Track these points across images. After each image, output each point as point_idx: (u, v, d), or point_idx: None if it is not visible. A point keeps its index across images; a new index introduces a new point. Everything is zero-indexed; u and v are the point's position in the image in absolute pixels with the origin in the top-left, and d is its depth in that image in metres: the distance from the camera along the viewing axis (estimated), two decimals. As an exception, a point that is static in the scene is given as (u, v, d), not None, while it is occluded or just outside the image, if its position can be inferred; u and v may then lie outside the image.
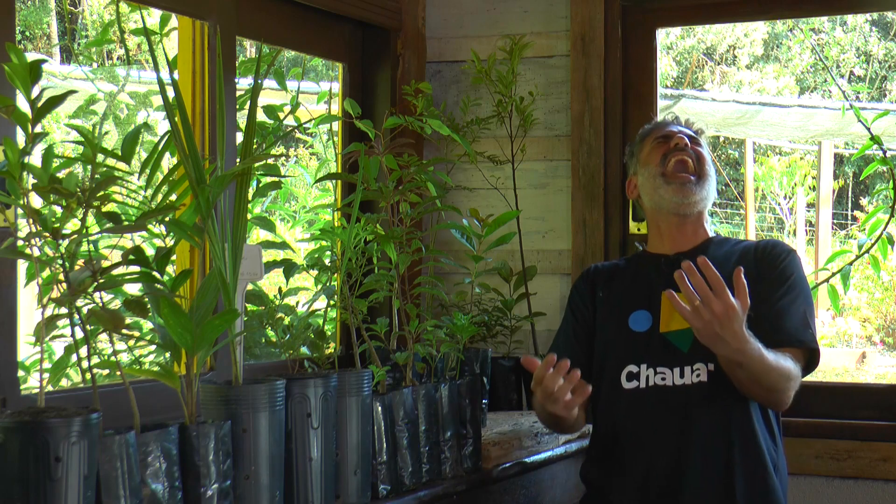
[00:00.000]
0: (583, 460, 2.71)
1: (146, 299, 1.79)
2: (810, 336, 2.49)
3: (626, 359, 2.55)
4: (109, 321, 1.67)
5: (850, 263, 3.57)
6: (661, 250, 2.67)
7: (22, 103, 1.66)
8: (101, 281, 1.69)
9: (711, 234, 2.71)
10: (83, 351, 1.70)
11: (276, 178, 2.52)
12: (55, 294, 1.66)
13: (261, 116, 3.10)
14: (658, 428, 2.49)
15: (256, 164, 2.03)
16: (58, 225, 1.65)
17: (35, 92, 1.65)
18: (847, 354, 10.16)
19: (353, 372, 2.19)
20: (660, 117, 2.86)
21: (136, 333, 1.86)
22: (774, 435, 2.52)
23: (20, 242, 1.67)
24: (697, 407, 2.46)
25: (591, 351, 2.66)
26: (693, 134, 2.70)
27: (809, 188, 13.07)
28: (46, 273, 1.67)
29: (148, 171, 1.87)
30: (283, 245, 2.96)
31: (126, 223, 1.78)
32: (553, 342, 2.77)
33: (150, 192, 1.87)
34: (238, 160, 1.99)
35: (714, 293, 2.22)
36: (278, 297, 2.52)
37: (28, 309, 2.94)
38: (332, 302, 2.33)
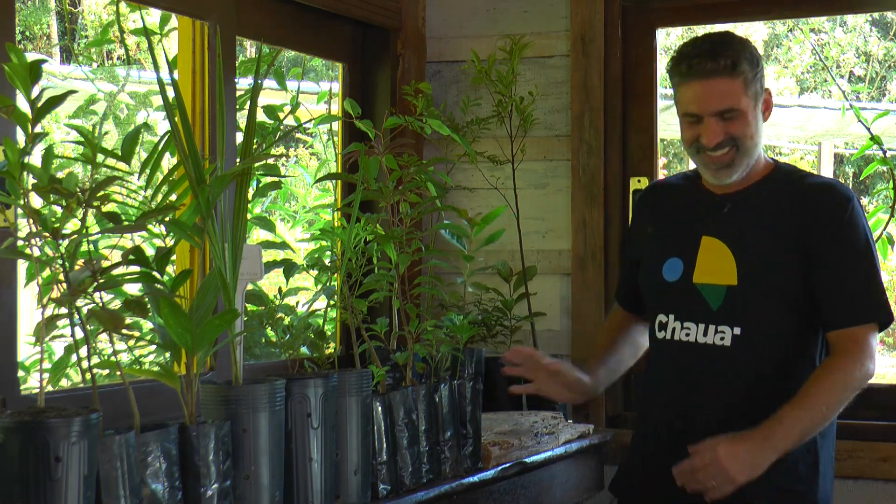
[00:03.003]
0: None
1: (146, 299, 1.79)
2: (871, 308, 2.38)
3: (658, 307, 2.53)
4: (109, 321, 1.67)
5: (850, 263, 3.57)
6: (711, 187, 2.52)
7: (22, 103, 1.66)
8: (101, 281, 1.69)
9: (773, 168, 2.51)
10: (83, 351, 1.70)
11: (276, 178, 2.52)
12: (55, 294, 1.66)
13: (261, 116, 3.11)
14: (673, 384, 2.48)
15: (256, 164, 2.03)
16: (58, 225, 1.65)
17: (35, 92, 1.65)
18: (847, 354, 10.12)
19: (353, 372, 2.19)
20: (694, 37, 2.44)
21: (136, 333, 1.86)
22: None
23: (20, 242, 1.67)
24: (713, 370, 2.42)
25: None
26: (724, 109, 2.37)
27: (809, 188, 13.02)
28: (46, 273, 1.67)
29: (148, 171, 1.87)
30: (283, 245, 2.97)
31: (126, 223, 1.78)
32: (621, 278, 2.88)
33: (150, 192, 1.87)
34: (238, 160, 1.99)
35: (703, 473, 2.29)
36: (278, 297, 2.52)
37: (28, 309, 2.95)
38: (332, 302, 2.33)
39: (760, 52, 2.48)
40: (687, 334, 2.46)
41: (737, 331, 2.41)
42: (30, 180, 1.66)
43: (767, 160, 2.53)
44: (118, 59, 8.99)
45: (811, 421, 2.33)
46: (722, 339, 2.42)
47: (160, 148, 1.88)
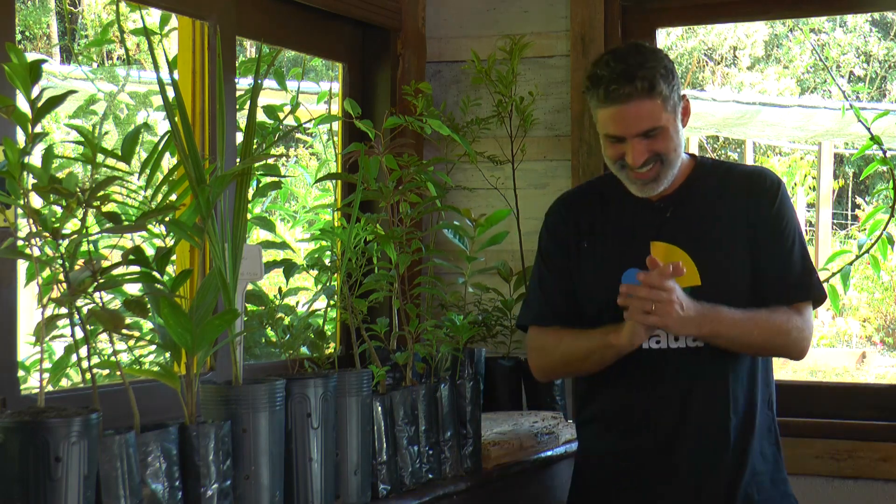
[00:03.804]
0: (575, 405, 2.67)
1: (146, 299, 1.79)
2: (809, 286, 2.47)
3: (621, 318, 2.40)
4: (109, 321, 1.67)
5: (850, 263, 3.57)
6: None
7: (22, 103, 1.66)
8: (101, 281, 1.69)
9: (695, 164, 2.53)
10: (83, 351, 1.70)
11: (276, 178, 2.52)
12: (55, 294, 1.66)
13: (261, 116, 3.10)
14: (653, 392, 2.45)
15: (256, 164, 2.03)
16: (58, 225, 1.65)
17: (35, 92, 1.65)
18: (847, 354, 10.16)
19: (353, 372, 2.19)
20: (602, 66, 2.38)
21: (136, 333, 1.86)
22: (770, 385, 2.53)
23: (20, 242, 1.68)
24: (693, 372, 2.43)
25: (576, 300, 2.55)
26: (647, 130, 2.36)
27: (809, 188, 13.07)
28: (46, 273, 1.67)
29: (148, 171, 1.87)
30: (283, 245, 2.96)
31: (126, 223, 1.78)
32: (544, 297, 2.58)
33: (150, 192, 1.87)
34: (238, 160, 1.99)
35: (656, 287, 2.28)
36: (278, 297, 2.52)
37: (28, 309, 2.94)
38: (332, 302, 2.33)
39: (761, 52, 2.48)
40: (658, 342, 2.44)
41: None
42: (30, 180, 1.66)
43: (685, 156, 2.53)
44: (118, 59, 9.00)
45: (738, 335, 2.39)
46: (695, 340, 2.42)
47: (160, 148, 1.88)
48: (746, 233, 2.46)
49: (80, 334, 1.68)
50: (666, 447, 2.46)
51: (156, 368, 1.92)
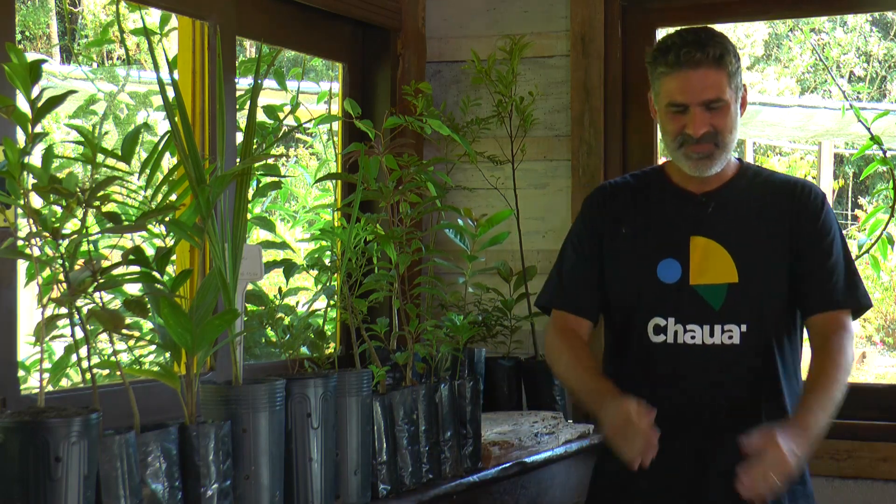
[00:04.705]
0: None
1: (146, 299, 1.79)
2: (856, 297, 2.47)
3: (654, 310, 2.46)
4: (109, 321, 1.67)
5: (850, 263, 3.57)
6: (686, 185, 2.52)
7: (22, 103, 1.66)
8: (101, 281, 1.69)
9: (740, 167, 2.56)
10: (83, 351, 1.70)
11: (276, 178, 2.52)
12: (55, 294, 1.66)
13: (261, 116, 3.11)
14: (685, 388, 2.44)
15: (256, 164, 2.03)
16: (58, 225, 1.65)
17: (35, 92, 1.65)
18: (847, 354, 10.13)
19: (353, 372, 2.19)
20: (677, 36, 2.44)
21: (136, 333, 1.86)
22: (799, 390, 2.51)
23: (20, 242, 1.68)
24: (727, 369, 2.42)
25: (603, 288, 2.55)
26: (711, 99, 2.38)
27: (809, 188, 13.05)
28: (46, 273, 1.67)
29: (148, 171, 1.87)
30: (283, 245, 2.97)
31: (126, 223, 1.78)
32: (562, 281, 2.59)
33: (150, 192, 1.87)
34: (238, 160, 1.99)
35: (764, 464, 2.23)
36: (278, 297, 2.52)
37: (28, 309, 2.94)
38: (332, 302, 2.33)
39: (761, 52, 2.49)
40: (692, 337, 2.43)
41: (744, 328, 2.42)
42: (30, 180, 1.66)
43: (734, 158, 2.56)
44: (118, 59, 8.99)
45: (831, 405, 2.37)
46: (730, 337, 2.42)
47: (160, 148, 1.88)
48: (788, 238, 2.46)
49: (80, 334, 1.68)
50: (696, 445, 2.42)
51: (156, 368, 1.92)
